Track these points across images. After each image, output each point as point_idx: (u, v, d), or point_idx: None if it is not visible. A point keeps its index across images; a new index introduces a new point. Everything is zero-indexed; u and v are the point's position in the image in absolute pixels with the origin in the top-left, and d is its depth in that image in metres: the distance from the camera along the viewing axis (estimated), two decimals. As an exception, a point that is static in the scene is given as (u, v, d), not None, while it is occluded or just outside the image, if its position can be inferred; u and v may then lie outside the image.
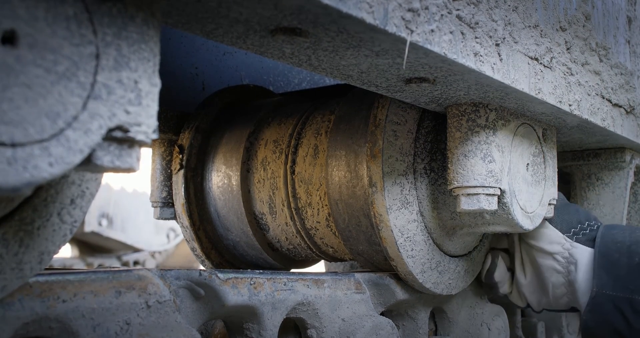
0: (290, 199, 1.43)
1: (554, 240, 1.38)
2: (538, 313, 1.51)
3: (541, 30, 1.10)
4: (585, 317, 1.32)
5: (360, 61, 0.88)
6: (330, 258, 1.51)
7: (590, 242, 1.36)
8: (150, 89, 0.63)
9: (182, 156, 1.57)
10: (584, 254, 1.35)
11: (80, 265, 4.43)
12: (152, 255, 4.88)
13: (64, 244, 0.78)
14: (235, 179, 1.51)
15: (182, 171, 1.56)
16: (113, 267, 0.94)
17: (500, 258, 1.46)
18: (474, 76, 0.96)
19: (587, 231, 1.38)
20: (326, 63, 0.90)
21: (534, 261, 1.41)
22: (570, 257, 1.36)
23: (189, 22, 0.74)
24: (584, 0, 1.26)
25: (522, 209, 1.21)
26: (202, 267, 1.85)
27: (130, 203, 4.63)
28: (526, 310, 1.83)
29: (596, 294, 1.30)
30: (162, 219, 1.65)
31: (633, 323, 1.26)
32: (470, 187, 1.12)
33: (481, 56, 0.94)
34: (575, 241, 1.37)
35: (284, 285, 1.07)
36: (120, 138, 0.60)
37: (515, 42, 1.03)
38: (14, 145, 0.52)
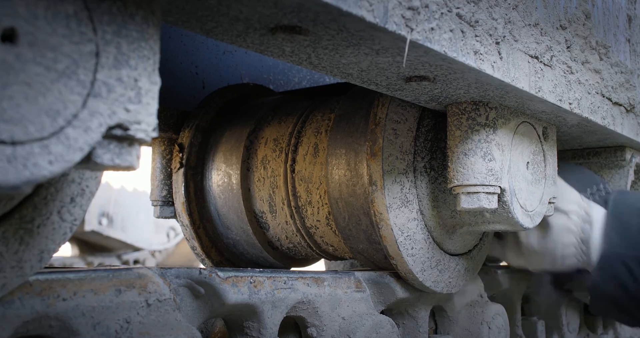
0: (290, 197, 1.43)
1: (571, 199, 1.41)
2: (534, 274, 1.55)
3: (541, 29, 1.10)
4: (595, 274, 1.36)
5: (360, 59, 0.88)
6: (330, 256, 1.51)
7: (604, 204, 1.41)
8: (150, 87, 0.63)
9: (182, 155, 1.57)
10: (599, 214, 1.39)
11: (80, 264, 4.44)
12: (152, 253, 4.89)
13: (64, 242, 0.78)
14: (235, 178, 1.51)
15: (182, 170, 1.56)
16: (113, 266, 0.94)
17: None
18: (474, 75, 0.96)
19: (603, 193, 1.43)
20: (326, 61, 0.90)
21: (545, 222, 1.42)
22: (587, 216, 1.39)
23: (189, 20, 0.74)
24: (584, -1, 1.26)
25: (522, 207, 1.21)
26: (202, 266, 1.85)
27: (131, 201, 4.63)
28: (526, 307, 1.83)
29: (606, 252, 1.34)
30: (162, 218, 1.65)
31: (639, 277, 1.31)
32: (470, 185, 1.12)
33: (481, 54, 0.94)
34: (591, 200, 1.42)
35: (284, 283, 1.07)
36: (120, 136, 0.60)
37: (516, 41, 1.03)
38: (14, 143, 0.52)
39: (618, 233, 1.35)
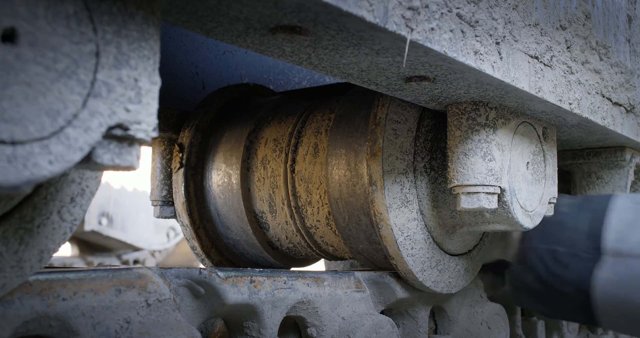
0: (290, 197, 1.43)
1: None
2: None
3: (541, 29, 1.10)
4: (514, 266, 1.48)
5: (361, 59, 0.88)
6: (330, 256, 1.51)
7: None
8: (151, 87, 0.63)
9: (182, 155, 1.57)
10: None
11: (80, 264, 4.43)
12: (152, 253, 4.88)
13: (64, 242, 0.78)
14: (235, 178, 1.51)
15: (182, 170, 1.56)
16: (113, 266, 0.94)
17: None
18: (474, 75, 0.96)
19: None
20: (326, 61, 0.90)
21: None
22: None
23: (189, 20, 0.74)
24: (584, -1, 1.26)
25: (522, 208, 1.21)
26: (202, 266, 1.85)
27: (130, 201, 4.63)
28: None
29: (523, 246, 1.46)
30: (162, 218, 1.65)
31: (554, 270, 1.41)
32: (470, 185, 1.12)
33: (481, 54, 0.94)
34: None
35: (284, 283, 1.07)
36: (120, 136, 0.60)
37: (516, 41, 1.03)
38: (14, 143, 0.52)
39: (537, 228, 1.45)
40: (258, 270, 1.05)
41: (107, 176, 4.41)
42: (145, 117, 0.62)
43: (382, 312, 1.28)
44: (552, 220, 1.44)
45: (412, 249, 1.24)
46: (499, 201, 1.16)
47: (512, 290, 1.50)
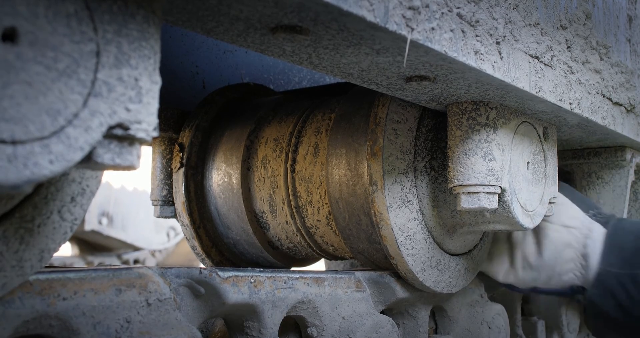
0: (291, 197, 1.43)
1: (575, 215, 1.44)
2: (520, 293, 1.58)
3: (542, 29, 1.10)
4: (591, 292, 1.39)
5: (361, 59, 0.88)
6: (330, 256, 1.51)
7: (603, 225, 1.44)
8: (151, 86, 0.63)
9: (183, 154, 1.57)
10: (600, 232, 1.41)
11: (80, 264, 4.44)
12: (152, 253, 4.89)
13: (64, 242, 0.78)
14: (235, 178, 1.51)
15: (182, 170, 1.56)
16: (113, 265, 0.94)
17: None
18: (475, 74, 0.96)
19: (600, 216, 1.46)
20: (327, 61, 0.90)
21: (544, 236, 1.44)
22: (589, 232, 1.42)
23: (190, 19, 0.74)
24: (585, -1, 1.26)
25: (522, 207, 1.21)
26: (202, 265, 1.85)
27: (131, 201, 4.64)
28: (525, 307, 1.83)
29: (601, 271, 1.38)
30: (162, 217, 1.65)
31: (635, 295, 1.34)
32: (470, 185, 1.12)
33: (482, 54, 0.94)
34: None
35: (285, 283, 1.07)
36: (121, 136, 0.60)
37: (516, 41, 1.03)
38: (14, 142, 0.52)
39: (613, 253, 1.38)
40: (258, 269, 1.05)
41: (108, 176, 4.41)
42: (145, 116, 0.62)
43: (382, 312, 1.28)
44: (633, 246, 1.38)
45: (412, 249, 1.24)
46: (499, 201, 1.16)
47: (590, 317, 1.43)
